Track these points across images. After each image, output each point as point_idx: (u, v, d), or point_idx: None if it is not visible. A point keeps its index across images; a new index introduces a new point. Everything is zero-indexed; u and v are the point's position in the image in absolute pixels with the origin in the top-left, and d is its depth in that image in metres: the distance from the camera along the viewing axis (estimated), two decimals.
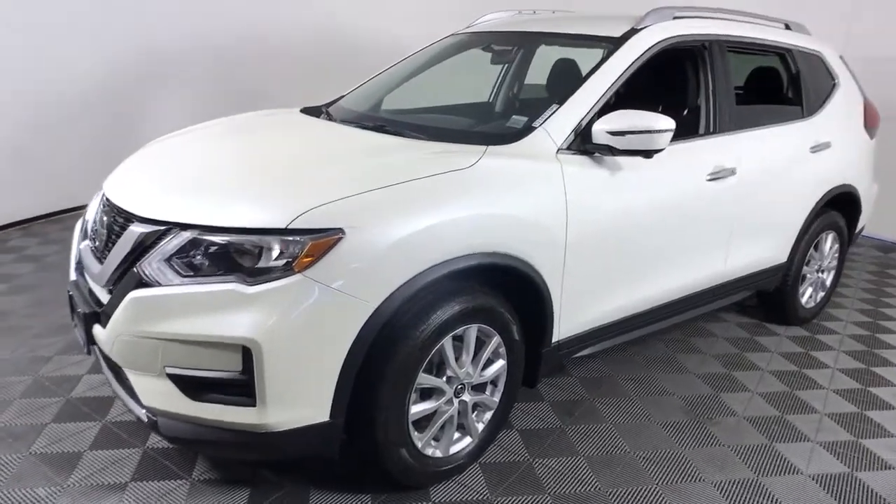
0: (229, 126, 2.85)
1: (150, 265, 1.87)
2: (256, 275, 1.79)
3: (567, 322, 2.47)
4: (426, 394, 2.16)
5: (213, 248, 1.83)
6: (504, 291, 2.27)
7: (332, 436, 1.94)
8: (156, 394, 1.92)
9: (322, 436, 1.92)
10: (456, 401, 2.22)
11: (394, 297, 1.89)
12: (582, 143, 2.37)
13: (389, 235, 1.86)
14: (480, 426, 2.34)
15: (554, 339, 2.45)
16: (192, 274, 1.84)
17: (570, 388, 2.98)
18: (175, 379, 1.87)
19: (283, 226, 1.80)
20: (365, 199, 1.89)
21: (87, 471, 2.24)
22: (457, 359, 2.15)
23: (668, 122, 2.30)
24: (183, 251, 1.86)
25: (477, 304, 2.10)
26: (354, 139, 2.46)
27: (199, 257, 1.85)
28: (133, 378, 1.98)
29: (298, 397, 1.85)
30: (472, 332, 2.15)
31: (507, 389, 2.37)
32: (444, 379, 2.15)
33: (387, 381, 1.95)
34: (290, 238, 1.80)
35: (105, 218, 2.18)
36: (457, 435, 2.30)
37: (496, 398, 2.35)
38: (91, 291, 2.17)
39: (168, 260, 1.86)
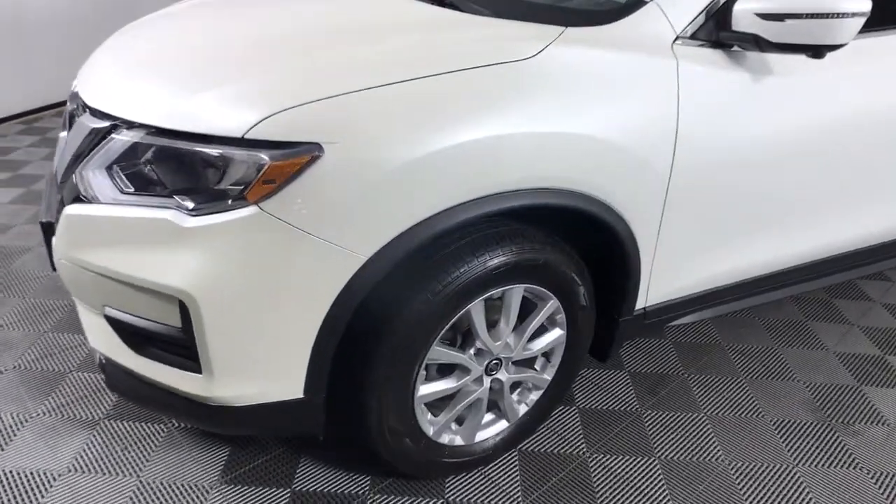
0: None
1: (89, 173, 1.41)
2: (200, 203, 1.28)
3: (661, 285, 1.80)
4: (445, 369, 1.64)
5: (156, 158, 1.33)
6: (570, 239, 1.64)
7: (309, 417, 1.47)
8: (100, 336, 1.52)
9: (295, 416, 1.47)
10: (487, 379, 1.68)
11: (394, 247, 1.32)
12: (715, 29, 1.58)
13: (390, 157, 1.26)
14: (522, 409, 1.80)
15: (639, 306, 1.81)
16: (131, 191, 1.36)
17: (660, 355, 2.34)
18: (113, 324, 1.46)
19: (237, 134, 1.25)
20: (357, 100, 1.28)
21: (64, 398, 1.96)
22: (493, 326, 1.60)
23: (859, 1, 1.46)
24: (125, 158, 1.37)
25: (525, 259, 1.49)
26: (383, 9, 1.79)
27: (141, 168, 1.36)
28: (80, 311, 1.60)
29: (256, 368, 1.38)
30: (515, 293, 1.56)
31: (565, 366, 1.79)
32: (472, 352, 1.61)
33: (382, 357, 1.43)
34: (245, 153, 1.26)
35: (69, 105, 1.74)
36: (488, 417, 1.78)
37: (547, 375, 1.79)
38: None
39: (109, 168, 1.39)
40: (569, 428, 1.97)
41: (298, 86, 1.30)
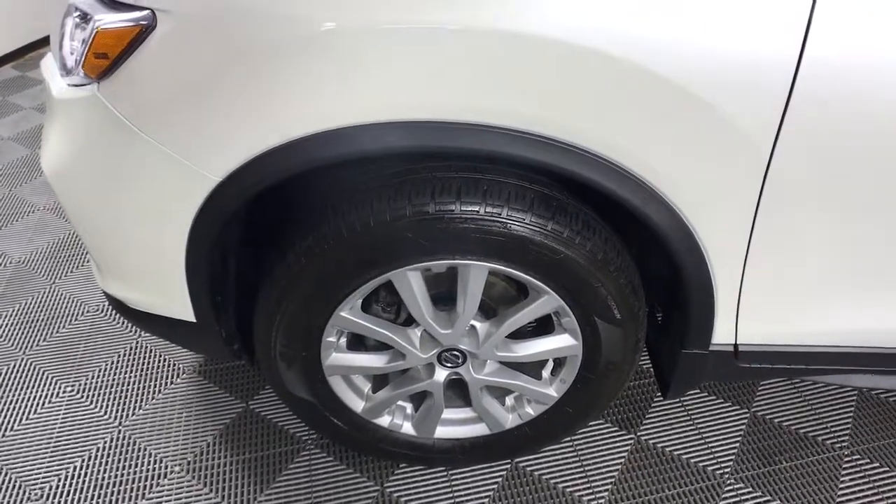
0: None
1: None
2: (64, 70, 1.04)
3: (758, 320, 1.09)
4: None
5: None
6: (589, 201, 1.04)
7: (210, 343, 1.24)
8: None
9: (193, 339, 1.25)
10: (443, 372, 1.22)
11: (265, 167, 0.93)
12: None
13: (256, 35, 0.85)
14: (512, 419, 1.30)
15: (722, 340, 1.12)
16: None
17: (831, 405, 1.54)
18: None
19: None
20: None
21: None
22: (447, 305, 1.13)
23: None
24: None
25: (485, 227, 0.97)
26: None
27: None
28: None
29: (129, 275, 1.16)
30: (473, 271, 1.05)
31: (582, 390, 1.23)
32: (418, 333, 1.17)
33: (265, 304, 1.11)
34: (81, 15, 0.97)
35: None
36: (466, 413, 1.34)
37: (553, 391, 1.25)
38: None
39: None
40: (602, 458, 1.43)
41: None
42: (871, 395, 1.56)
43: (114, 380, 1.63)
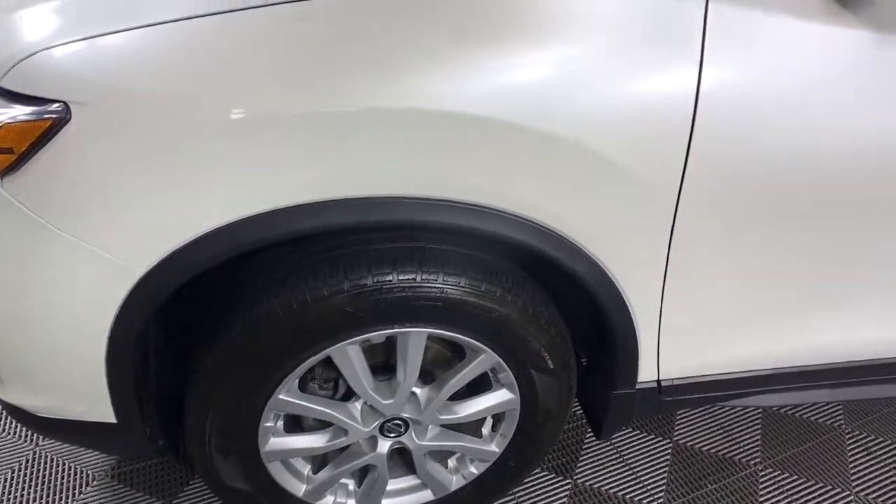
0: None
1: None
2: None
3: (685, 355, 1.18)
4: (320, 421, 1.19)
5: None
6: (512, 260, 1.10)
7: (132, 443, 1.16)
8: None
9: (112, 440, 1.16)
10: (385, 443, 1.21)
11: (192, 256, 0.90)
12: None
13: (170, 128, 0.84)
14: (457, 481, 1.30)
15: (648, 378, 1.20)
16: None
17: (739, 428, 1.66)
18: None
19: None
20: (121, 43, 0.86)
21: None
22: (385, 374, 1.13)
23: None
24: None
25: (423, 294, 0.99)
26: None
27: None
28: None
29: (43, 382, 1.07)
30: (413, 338, 1.06)
31: (523, 442, 1.25)
32: (359, 406, 1.16)
33: (196, 395, 1.06)
34: None
35: None
36: (410, 482, 1.33)
37: (494, 447, 1.27)
38: None
39: None
40: None
41: (55, 22, 0.91)
42: (774, 412, 1.71)
43: (11, 500, 1.46)
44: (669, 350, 1.15)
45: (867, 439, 1.63)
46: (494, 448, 1.26)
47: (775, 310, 1.12)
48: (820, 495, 1.49)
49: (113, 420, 1.10)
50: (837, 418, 1.55)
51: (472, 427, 1.27)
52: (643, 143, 0.91)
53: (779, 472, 1.55)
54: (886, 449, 1.61)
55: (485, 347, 1.08)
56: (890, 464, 1.56)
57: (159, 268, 0.91)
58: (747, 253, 1.06)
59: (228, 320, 1.00)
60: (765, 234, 1.02)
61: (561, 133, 0.89)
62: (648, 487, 1.50)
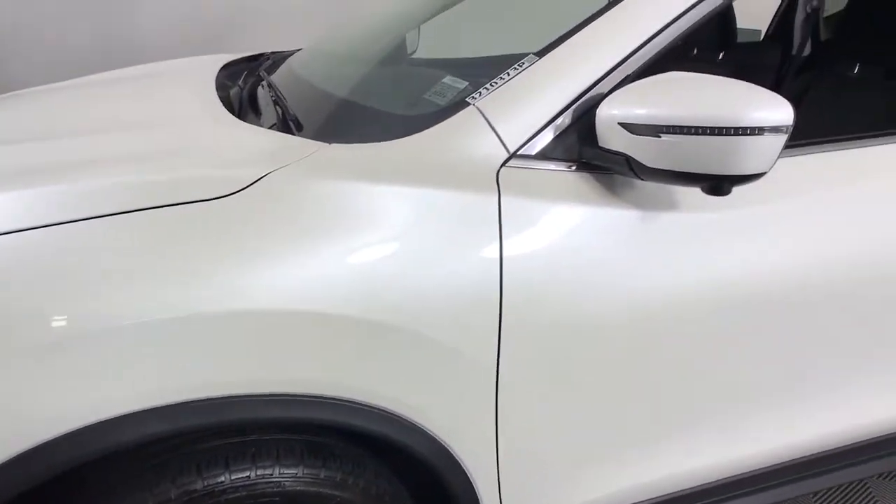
0: (115, 77, 1.93)
1: None
2: None
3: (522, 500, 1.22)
4: None
5: None
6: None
7: None
8: None
9: None
10: None
11: (9, 473, 0.83)
12: (577, 145, 1.05)
13: None
14: None
15: None
16: None
17: None
18: None
19: None
20: None
21: None
22: None
23: (778, 108, 0.90)
24: None
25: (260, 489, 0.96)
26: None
27: None
28: None
29: None
30: None
31: None
32: None
33: None
34: None
35: None
36: None
37: None
38: None
39: None
40: None
41: None
42: None
43: None
44: (512, 499, 1.18)
45: None
46: None
47: (599, 452, 1.20)
48: None
49: None
50: None
51: None
52: (457, 320, 0.99)
53: None
54: None
55: None
56: None
57: None
58: (569, 403, 1.15)
59: None
60: (577, 389, 1.12)
61: (384, 319, 0.94)
62: None
